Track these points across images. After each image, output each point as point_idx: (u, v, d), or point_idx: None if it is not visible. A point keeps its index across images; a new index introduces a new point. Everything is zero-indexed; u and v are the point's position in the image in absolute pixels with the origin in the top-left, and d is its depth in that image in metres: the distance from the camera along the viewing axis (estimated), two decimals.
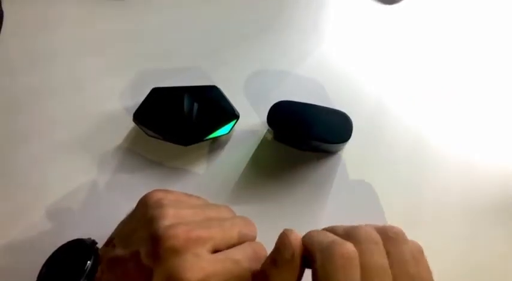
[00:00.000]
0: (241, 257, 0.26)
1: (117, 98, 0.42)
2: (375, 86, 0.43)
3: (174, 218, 0.26)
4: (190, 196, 0.31)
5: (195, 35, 0.46)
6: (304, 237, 0.25)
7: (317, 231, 0.25)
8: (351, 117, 0.37)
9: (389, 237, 0.24)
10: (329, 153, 0.39)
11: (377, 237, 0.23)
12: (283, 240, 0.24)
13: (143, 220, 0.27)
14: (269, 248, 0.25)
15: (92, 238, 0.30)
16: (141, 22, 0.46)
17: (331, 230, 0.25)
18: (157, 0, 0.47)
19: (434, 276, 0.25)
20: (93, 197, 0.38)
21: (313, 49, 0.45)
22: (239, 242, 0.28)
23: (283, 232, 0.24)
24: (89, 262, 0.27)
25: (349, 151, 0.39)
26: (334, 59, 0.44)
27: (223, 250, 0.26)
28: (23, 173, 0.39)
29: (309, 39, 0.45)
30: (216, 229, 0.27)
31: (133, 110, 0.38)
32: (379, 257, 0.23)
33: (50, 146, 0.40)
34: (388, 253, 0.23)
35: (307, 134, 0.36)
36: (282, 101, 0.37)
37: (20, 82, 0.43)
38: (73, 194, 0.38)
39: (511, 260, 0.36)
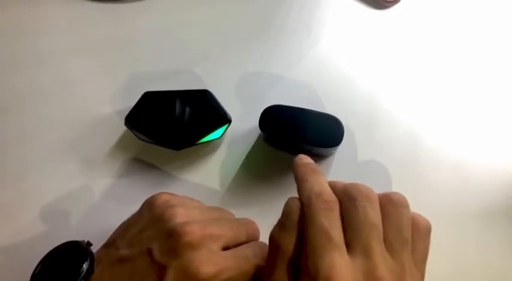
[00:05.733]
0: (250, 254, 0.28)
1: (109, 101, 0.42)
2: (368, 90, 0.43)
3: (186, 217, 0.28)
4: (192, 199, 0.32)
5: (187, 38, 0.45)
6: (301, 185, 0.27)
7: (313, 178, 0.27)
8: (343, 121, 0.37)
9: (391, 200, 0.25)
10: (321, 157, 0.39)
11: (373, 196, 0.25)
12: (290, 206, 0.26)
13: (152, 219, 0.28)
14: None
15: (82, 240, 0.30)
16: (133, 25, 0.46)
17: (332, 183, 0.27)
18: (149, 4, 0.47)
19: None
20: (85, 201, 0.38)
21: (306, 53, 0.45)
22: (246, 241, 0.29)
23: (289, 199, 0.27)
24: (85, 263, 0.27)
25: (340, 155, 0.39)
26: (327, 63, 0.44)
27: (233, 247, 0.28)
28: (14, 176, 0.38)
29: (301, 44, 0.45)
30: (226, 227, 0.28)
31: (125, 114, 0.38)
32: (370, 213, 0.23)
33: (41, 149, 0.40)
34: (385, 215, 0.24)
35: (298, 138, 0.36)
36: (273, 105, 0.37)
37: (11, 85, 0.43)
38: (64, 197, 0.38)
39: (501, 264, 0.36)
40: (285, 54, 0.45)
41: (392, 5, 0.47)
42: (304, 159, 0.29)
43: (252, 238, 0.30)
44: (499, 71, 0.44)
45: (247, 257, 0.27)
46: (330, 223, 0.23)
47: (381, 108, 0.42)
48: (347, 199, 0.24)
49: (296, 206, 0.26)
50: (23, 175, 0.39)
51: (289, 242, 0.25)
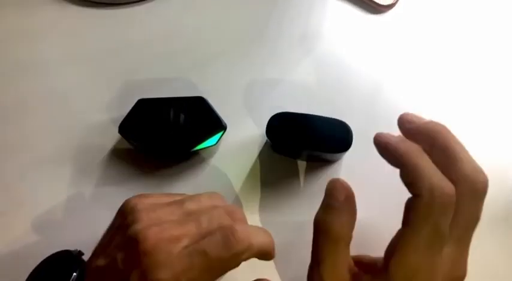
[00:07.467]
0: (209, 247, 0.25)
1: (103, 109, 0.41)
2: (367, 94, 0.43)
3: (147, 221, 0.26)
4: (170, 194, 0.31)
5: (181, 45, 0.45)
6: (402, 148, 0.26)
7: (426, 164, 0.25)
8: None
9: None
10: (328, 162, 0.39)
11: (486, 187, 0.25)
12: (334, 185, 0.26)
13: (119, 227, 0.28)
14: None
15: (79, 249, 0.30)
16: (127, 33, 0.46)
17: (451, 167, 0.25)
18: (143, 10, 0.47)
19: None
20: (79, 209, 0.37)
21: (303, 59, 0.45)
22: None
23: (331, 179, 0.27)
24: (74, 273, 0.27)
25: (348, 159, 0.39)
26: (324, 68, 0.44)
27: None
28: (8, 185, 0.38)
29: (298, 49, 0.45)
30: (192, 224, 0.27)
31: (120, 121, 0.38)
32: (480, 210, 0.25)
33: (35, 157, 0.39)
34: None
35: (307, 144, 0.36)
36: (280, 113, 0.37)
37: (4, 93, 0.42)
38: (58, 205, 0.37)
39: (501, 272, 0.36)
40: (280, 60, 0.45)
41: (388, 9, 0.48)
42: (387, 136, 0.27)
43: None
44: (495, 72, 0.44)
45: (204, 253, 0.25)
46: (445, 220, 0.24)
47: (381, 111, 0.42)
48: (468, 191, 0.24)
49: (341, 185, 0.26)
50: (17, 184, 0.38)
51: (340, 224, 0.25)
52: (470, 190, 0.24)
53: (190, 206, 0.29)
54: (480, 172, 0.25)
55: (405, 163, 0.25)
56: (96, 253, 0.28)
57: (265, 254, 0.28)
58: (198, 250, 0.25)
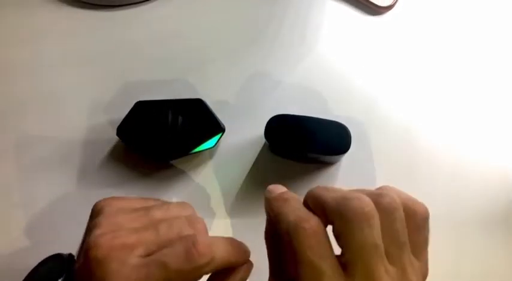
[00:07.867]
0: (170, 259, 0.24)
1: (101, 111, 0.41)
2: (366, 95, 0.43)
3: (106, 227, 0.25)
4: (144, 199, 0.30)
5: (181, 46, 0.45)
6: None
7: (285, 208, 0.24)
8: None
9: (382, 208, 0.22)
10: (327, 164, 0.39)
11: (369, 211, 0.22)
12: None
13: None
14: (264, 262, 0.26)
15: (71, 253, 0.30)
16: (125, 34, 0.46)
17: (321, 201, 0.23)
18: (142, 12, 0.47)
19: None
20: (76, 212, 0.37)
21: (301, 61, 0.45)
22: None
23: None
24: (60, 279, 0.26)
25: (347, 161, 0.39)
26: (323, 69, 0.44)
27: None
28: (5, 187, 0.38)
29: (296, 51, 0.45)
30: (149, 232, 0.26)
31: (118, 124, 0.38)
32: (369, 235, 0.21)
33: (33, 159, 0.39)
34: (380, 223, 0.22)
35: (305, 146, 0.36)
36: (279, 115, 0.37)
37: (3, 93, 0.42)
38: (56, 208, 0.37)
39: (501, 274, 0.36)
40: (279, 62, 0.45)
41: (387, 11, 0.47)
42: (273, 192, 0.26)
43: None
44: (495, 72, 0.44)
45: (164, 264, 0.24)
46: (318, 254, 0.21)
47: (380, 113, 0.42)
48: (340, 221, 0.22)
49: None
50: (14, 186, 0.38)
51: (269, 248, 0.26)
52: (343, 221, 0.22)
53: (156, 214, 0.28)
54: (349, 199, 0.22)
55: (271, 214, 0.25)
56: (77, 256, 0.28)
57: (231, 265, 0.27)
58: (158, 261, 0.24)
